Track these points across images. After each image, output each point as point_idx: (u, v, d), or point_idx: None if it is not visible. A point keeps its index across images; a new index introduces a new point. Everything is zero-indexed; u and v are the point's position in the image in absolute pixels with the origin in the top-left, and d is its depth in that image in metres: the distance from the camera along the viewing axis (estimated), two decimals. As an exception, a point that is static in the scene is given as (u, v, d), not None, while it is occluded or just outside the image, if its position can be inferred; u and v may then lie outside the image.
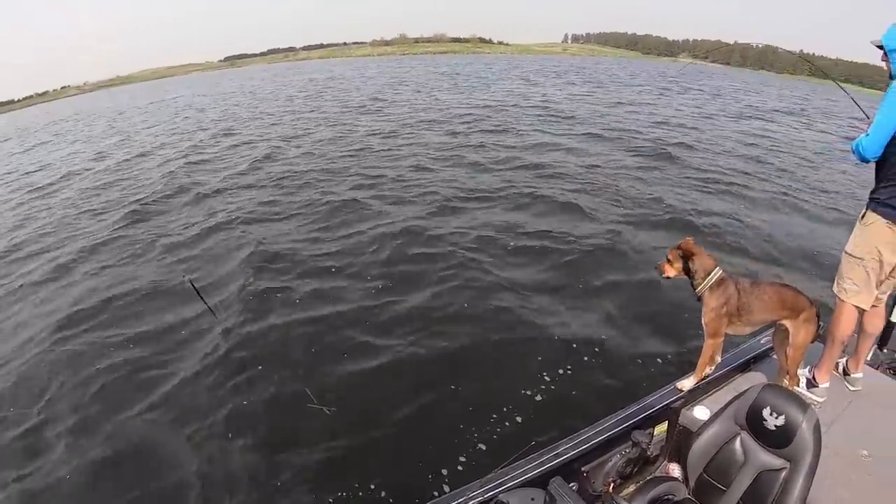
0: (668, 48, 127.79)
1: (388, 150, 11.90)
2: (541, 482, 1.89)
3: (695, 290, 2.43)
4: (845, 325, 2.52)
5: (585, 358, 4.07)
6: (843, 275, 2.51)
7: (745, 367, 2.82)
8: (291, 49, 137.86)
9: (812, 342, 2.50)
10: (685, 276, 2.45)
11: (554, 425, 3.14)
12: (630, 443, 2.22)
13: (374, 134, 13.95)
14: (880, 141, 2.27)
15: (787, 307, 2.41)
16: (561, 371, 3.92)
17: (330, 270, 5.75)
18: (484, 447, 3.22)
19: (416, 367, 4.02)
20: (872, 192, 2.42)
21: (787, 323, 2.43)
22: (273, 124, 17.15)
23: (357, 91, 27.43)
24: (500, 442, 3.24)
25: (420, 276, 5.51)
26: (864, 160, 2.36)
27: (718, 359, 2.64)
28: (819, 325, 2.49)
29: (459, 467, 3.09)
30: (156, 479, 3.21)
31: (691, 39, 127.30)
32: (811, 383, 2.63)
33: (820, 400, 2.58)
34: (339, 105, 21.35)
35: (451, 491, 2.17)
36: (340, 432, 3.42)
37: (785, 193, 8.80)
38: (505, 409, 3.51)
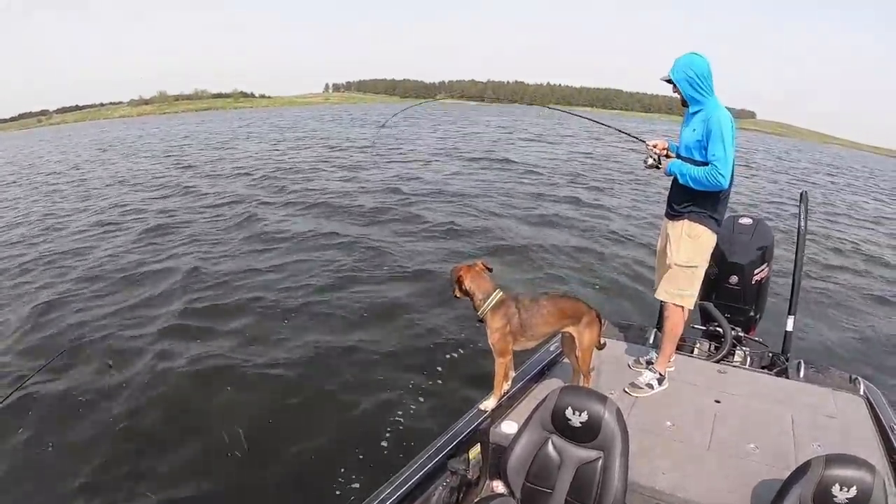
0: (426, 90, 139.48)
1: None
2: None
3: (476, 311, 2.44)
4: (681, 324, 2.78)
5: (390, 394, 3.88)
6: (681, 286, 2.68)
7: (540, 376, 2.91)
8: (44, 112, 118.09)
9: (601, 347, 2.64)
10: (467, 297, 2.45)
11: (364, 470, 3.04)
12: (448, 472, 2.17)
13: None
14: (731, 169, 2.47)
15: (568, 316, 2.50)
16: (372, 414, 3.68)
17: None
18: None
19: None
20: (693, 206, 2.57)
21: (570, 330, 2.53)
22: None
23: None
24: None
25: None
26: (722, 188, 2.47)
27: (513, 374, 2.65)
28: (602, 326, 2.62)
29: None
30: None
31: (447, 81, 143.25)
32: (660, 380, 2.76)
33: (662, 388, 2.74)
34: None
35: None
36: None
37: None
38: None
